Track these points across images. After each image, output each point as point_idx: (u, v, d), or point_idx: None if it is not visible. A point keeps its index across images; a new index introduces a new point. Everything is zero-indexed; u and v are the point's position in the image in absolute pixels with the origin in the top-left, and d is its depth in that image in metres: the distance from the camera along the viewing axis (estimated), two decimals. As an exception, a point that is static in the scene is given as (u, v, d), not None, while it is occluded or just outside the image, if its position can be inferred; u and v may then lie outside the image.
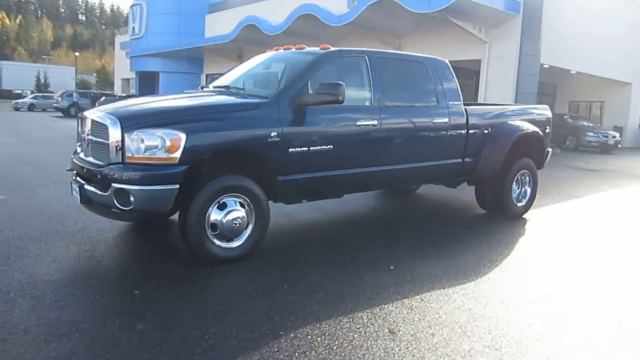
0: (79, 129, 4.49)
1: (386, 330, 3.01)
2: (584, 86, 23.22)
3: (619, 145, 19.53)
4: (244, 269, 3.96)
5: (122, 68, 41.51)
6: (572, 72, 20.15)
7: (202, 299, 3.39)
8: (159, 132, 3.70)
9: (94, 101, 28.65)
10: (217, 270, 3.88)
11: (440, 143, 5.49)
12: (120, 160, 3.76)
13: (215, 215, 3.93)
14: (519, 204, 6.29)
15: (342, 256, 4.38)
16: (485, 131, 5.87)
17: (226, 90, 4.76)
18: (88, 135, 4.11)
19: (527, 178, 6.35)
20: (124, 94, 32.80)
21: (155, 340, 2.75)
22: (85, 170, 4.10)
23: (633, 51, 22.28)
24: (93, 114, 4.15)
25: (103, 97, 26.79)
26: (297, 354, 2.69)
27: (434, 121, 5.36)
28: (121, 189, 3.69)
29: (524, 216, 6.31)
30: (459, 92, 5.72)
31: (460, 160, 5.69)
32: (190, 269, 3.89)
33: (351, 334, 2.95)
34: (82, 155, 4.32)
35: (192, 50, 28.94)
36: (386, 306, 3.36)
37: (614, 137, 19.09)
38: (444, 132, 5.46)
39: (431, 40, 18.10)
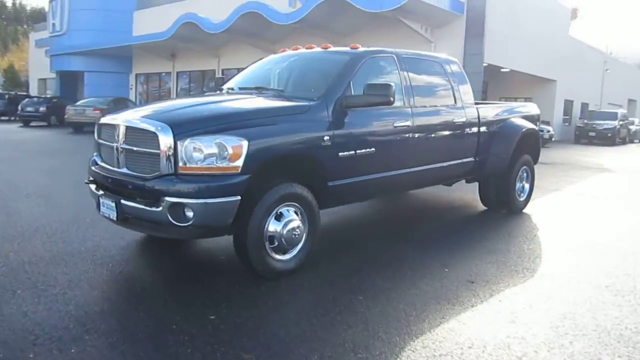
0: (101, 136, 4.02)
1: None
2: (513, 83, 24.57)
3: (553, 139, 20.88)
4: (303, 281, 3.72)
5: (38, 67, 38.48)
6: (504, 70, 21.25)
7: (288, 319, 3.13)
8: (219, 138, 3.38)
9: (12, 103, 26.34)
10: (277, 286, 3.62)
11: (460, 142, 5.53)
12: (172, 171, 3.39)
13: (273, 226, 3.66)
14: (520, 199, 6.48)
15: (390, 260, 4.26)
16: (493, 129, 5.97)
17: (264, 91, 4.43)
18: (121, 143, 3.66)
19: (525, 174, 6.55)
20: (48, 95, 30.40)
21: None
22: (117, 183, 3.67)
23: (557, 50, 23.89)
24: (127, 119, 3.71)
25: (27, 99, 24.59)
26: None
27: (455, 121, 5.37)
28: (178, 203, 3.32)
29: (523, 211, 6.50)
30: (471, 91, 5.79)
31: (473, 158, 5.75)
32: (248, 286, 3.59)
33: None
34: (107, 165, 3.86)
35: (120, 48, 27.38)
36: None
37: (549, 131, 20.35)
38: (462, 131, 5.49)
39: (378, 39, 18.31)
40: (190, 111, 3.81)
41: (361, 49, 4.67)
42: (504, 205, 6.35)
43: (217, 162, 3.36)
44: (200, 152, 3.35)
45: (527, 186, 6.60)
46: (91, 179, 4.12)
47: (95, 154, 4.15)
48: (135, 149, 3.58)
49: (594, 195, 8.27)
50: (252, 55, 23.89)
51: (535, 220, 6.12)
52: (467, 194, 7.27)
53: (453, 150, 5.46)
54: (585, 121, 25.99)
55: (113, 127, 3.80)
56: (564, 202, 7.46)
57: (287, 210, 3.75)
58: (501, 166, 5.99)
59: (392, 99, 4.05)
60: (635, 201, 8.03)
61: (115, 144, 3.72)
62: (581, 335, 3.01)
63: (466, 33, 17.59)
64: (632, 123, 28.86)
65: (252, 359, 2.61)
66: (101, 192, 3.84)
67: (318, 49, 4.93)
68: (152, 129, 3.44)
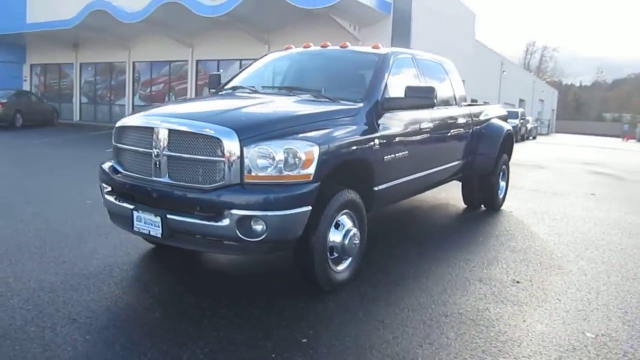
0: (123, 141, 3.51)
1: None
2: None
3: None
4: (361, 289, 3.54)
5: None
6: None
7: (384, 339, 2.94)
8: (289, 144, 3.08)
9: None
10: (341, 297, 3.41)
11: (461, 142, 5.61)
12: (238, 181, 3.03)
13: (334, 236, 3.44)
14: (499, 197, 6.75)
15: (439, 265, 4.21)
16: (481, 130, 6.15)
17: (299, 92, 4.11)
18: (163, 149, 3.21)
19: (502, 173, 6.83)
20: None
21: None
22: (160, 195, 3.22)
23: (464, 53, 25.39)
24: (170, 121, 3.25)
25: None
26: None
27: (459, 121, 5.44)
28: (248, 216, 2.98)
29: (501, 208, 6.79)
30: (465, 92, 5.91)
31: (467, 158, 5.88)
32: (310, 301, 3.34)
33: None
34: (136, 174, 3.38)
35: (10, 36, 24.59)
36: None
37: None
38: (464, 131, 5.58)
39: (304, 36, 18.23)
40: (249, 113, 3.44)
41: (385, 48, 4.56)
42: (486, 203, 6.58)
43: (287, 170, 3.06)
44: (270, 159, 3.03)
45: (503, 184, 6.89)
46: (108, 188, 3.59)
47: (113, 160, 3.61)
48: (184, 156, 3.15)
49: (553, 191, 8.79)
50: (168, 48, 22.88)
51: (516, 215, 6.41)
52: (440, 193, 7.45)
53: (458, 150, 5.54)
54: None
55: (146, 130, 3.32)
56: (528, 199, 7.85)
57: (344, 219, 3.54)
58: (489, 165, 6.19)
59: (436, 101, 3.99)
60: (595, 196, 8.61)
61: (153, 150, 3.24)
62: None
63: (393, 33, 18.05)
64: (528, 121, 31.58)
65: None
66: (133, 205, 3.34)
67: (335, 48, 4.72)
68: (212, 133, 3.05)
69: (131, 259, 4.07)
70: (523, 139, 28.47)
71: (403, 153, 4.17)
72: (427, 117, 4.63)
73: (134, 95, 23.95)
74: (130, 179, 3.42)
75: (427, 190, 5.68)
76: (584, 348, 2.87)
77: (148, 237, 3.40)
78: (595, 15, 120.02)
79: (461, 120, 5.47)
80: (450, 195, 7.39)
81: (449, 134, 5.24)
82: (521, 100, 42.78)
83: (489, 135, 6.21)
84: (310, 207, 3.13)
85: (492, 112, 6.74)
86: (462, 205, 6.79)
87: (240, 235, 3.01)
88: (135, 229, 3.32)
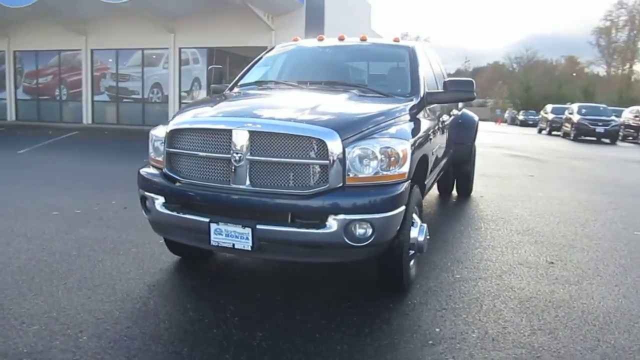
0: (180, 145, 3.12)
1: None
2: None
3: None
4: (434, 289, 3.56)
5: None
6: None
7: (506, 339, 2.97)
8: (387, 142, 2.97)
9: None
10: (417, 300, 3.39)
11: (452, 133, 5.79)
12: (340, 184, 2.86)
13: (413, 233, 3.38)
14: (472, 183, 7.13)
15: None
16: (460, 119, 6.42)
17: (347, 86, 3.91)
18: (245, 153, 2.90)
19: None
20: None
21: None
22: (246, 204, 2.93)
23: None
24: (254, 122, 2.95)
25: None
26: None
27: (453, 112, 5.62)
28: (356, 220, 2.83)
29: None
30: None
31: (451, 148, 6.10)
32: (397, 309, 3.28)
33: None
34: (204, 182, 3.03)
35: None
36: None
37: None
38: (454, 122, 5.78)
39: (216, 24, 17.71)
40: (339, 113, 3.21)
41: (406, 41, 4.55)
42: (461, 190, 6.91)
43: (385, 170, 2.95)
44: (370, 159, 2.90)
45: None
46: (159, 199, 3.18)
47: (166, 167, 3.19)
48: (274, 160, 2.89)
49: (497, 175, 9.41)
50: (58, 36, 20.52)
51: (491, 200, 6.82)
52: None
53: (452, 141, 5.72)
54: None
55: (221, 133, 2.99)
56: (484, 183, 8.27)
57: (414, 216, 3.51)
58: (467, 153, 6.48)
59: (476, 95, 4.07)
60: (534, 177, 9.38)
61: (232, 155, 2.92)
62: None
63: (307, 23, 18.03)
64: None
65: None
66: (208, 217, 2.99)
67: (354, 40, 4.59)
68: (314, 135, 2.84)
69: (150, 279, 3.66)
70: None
71: (439, 146, 4.22)
72: (442, 110, 4.72)
73: (16, 88, 21.31)
74: (198, 187, 3.06)
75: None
76: (662, 318, 3.17)
77: (227, 251, 3.06)
78: (455, 9, 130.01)
79: (455, 111, 5.66)
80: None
81: (450, 125, 5.39)
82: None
83: (465, 125, 6.49)
84: (404, 207, 3.05)
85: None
86: (435, 193, 7.04)
87: (347, 241, 2.85)
88: (212, 243, 2.98)
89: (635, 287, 3.72)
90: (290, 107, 3.23)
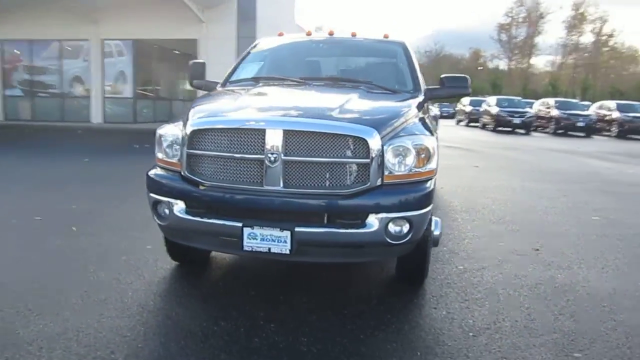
0: (204, 146, 2.94)
1: None
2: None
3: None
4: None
5: None
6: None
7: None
8: (418, 139, 2.99)
9: None
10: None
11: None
12: (379, 182, 2.84)
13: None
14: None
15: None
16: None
17: (351, 83, 3.85)
18: (280, 154, 2.79)
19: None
20: None
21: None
22: (284, 206, 2.83)
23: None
24: (288, 122, 2.84)
25: None
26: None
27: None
28: (397, 218, 2.83)
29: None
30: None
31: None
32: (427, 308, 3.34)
33: None
34: (239, 185, 2.89)
35: None
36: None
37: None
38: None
39: (143, 16, 16.86)
40: (370, 110, 3.16)
41: (395, 37, 4.57)
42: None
43: (418, 167, 2.97)
44: (407, 156, 2.91)
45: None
46: (179, 204, 2.99)
47: (185, 170, 2.99)
48: (311, 159, 2.80)
49: (445, 166, 9.77)
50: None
51: (455, 191, 7.10)
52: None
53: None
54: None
55: (252, 132, 2.85)
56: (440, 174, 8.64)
57: (429, 211, 3.57)
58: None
59: (470, 90, 4.19)
60: (479, 168, 9.83)
61: (266, 155, 2.80)
62: None
63: (238, 17, 17.67)
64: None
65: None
66: (241, 221, 2.85)
67: (345, 36, 4.55)
68: (356, 133, 2.79)
69: (157, 288, 3.46)
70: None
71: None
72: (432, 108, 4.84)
73: None
74: (226, 190, 2.90)
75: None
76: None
77: (261, 256, 2.92)
78: (371, 1, 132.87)
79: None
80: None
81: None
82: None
83: (433, 118, 6.68)
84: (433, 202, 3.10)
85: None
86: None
87: (388, 239, 2.84)
88: (246, 248, 2.84)
89: (618, 268, 4.04)
90: (318, 105, 3.16)
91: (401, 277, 3.49)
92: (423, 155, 2.97)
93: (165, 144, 3.15)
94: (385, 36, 4.57)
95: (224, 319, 2.93)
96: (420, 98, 3.78)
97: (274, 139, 2.79)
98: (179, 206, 2.99)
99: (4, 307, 2.99)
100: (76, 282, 3.41)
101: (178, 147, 3.07)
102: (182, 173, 3.01)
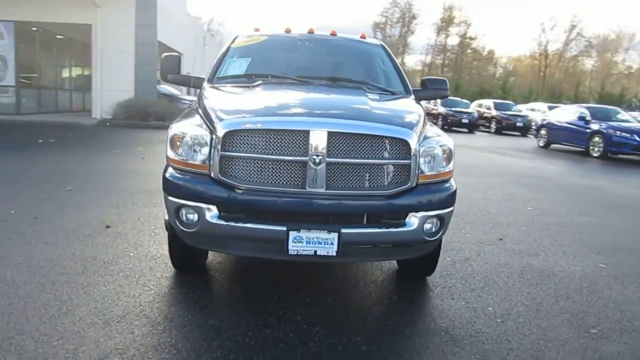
0: (239, 148, 2.81)
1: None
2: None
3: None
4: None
5: None
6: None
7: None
8: (444, 139, 3.15)
9: None
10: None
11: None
12: (416, 183, 2.95)
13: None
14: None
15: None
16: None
17: (349, 83, 3.84)
18: (327, 156, 2.76)
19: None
20: None
21: None
22: (328, 208, 2.82)
23: (180, 26, 25.18)
24: (334, 123, 2.82)
25: None
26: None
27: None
28: (432, 216, 2.97)
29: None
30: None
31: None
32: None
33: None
34: (280, 187, 2.81)
35: None
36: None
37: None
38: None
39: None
40: (398, 111, 3.19)
41: (373, 39, 4.68)
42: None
43: (442, 167, 3.12)
44: (436, 157, 3.05)
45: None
46: (211, 209, 2.83)
47: (217, 173, 2.83)
48: (355, 161, 2.82)
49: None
50: None
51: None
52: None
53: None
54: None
55: (293, 134, 2.78)
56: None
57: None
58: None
59: (449, 92, 4.43)
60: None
61: (311, 157, 2.76)
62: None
63: (137, 2, 16.57)
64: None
65: None
66: (285, 225, 2.78)
67: (324, 34, 4.53)
68: (399, 135, 2.86)
69: (190, 291, 3.27)
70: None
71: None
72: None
73: None
74: (266, 194, 2.80)
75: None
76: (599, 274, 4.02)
77: (306, 259, 2.85)
78: None
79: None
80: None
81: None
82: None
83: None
84: (452, 204, 3.28)
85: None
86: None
87: (424, 237, 2.97)
88: (291, 252, 2.78)
89: (577, 253, 4.57)
90: (349, 106, 3.18)
91: (412, 272, 3.63)
92: (446, 156, 3.13)
93: (185, 145, 2.95)
94: (362, 36, 4.65)
95: (267, 327, 2.84)
96: (414, 99, 3.94)
97: (319, 140, 2.76)
98: (212, 211, 2.83)
99: (16, 330, 2.61)
100: (77, 298, 3.06)
101: (201, 147, 2.90)
102: (213, 176, 2.85)
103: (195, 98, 6.90)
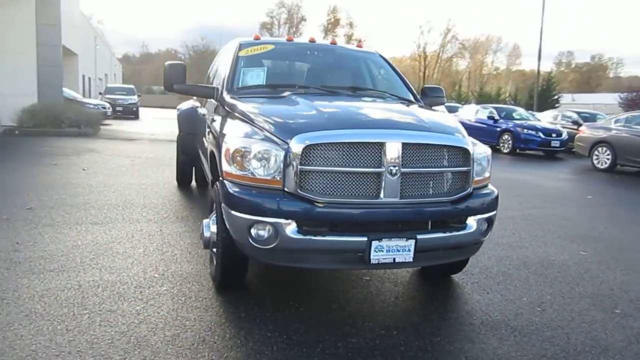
0: (329, 162, 2.83)
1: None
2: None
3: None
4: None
5: None
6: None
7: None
8: (483, 147, 3.42)
9: None
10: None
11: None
12: (472, 188, 3.18)
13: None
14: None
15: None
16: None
17: (369, 93, 3.95)
18: (401, 166, 2.88)
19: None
20: None
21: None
22: (403, 216, 2.95)
23: (73, 24, 23.47)
24: (407, 135, 2.96)
25: None
26: None
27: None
28: (486, 218, 3.22)
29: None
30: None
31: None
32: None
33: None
34: (357, 199, 2.87)
35: None
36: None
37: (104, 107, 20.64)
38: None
39: None
40: (440, 121, 3.35)
41: (369, 48, 4.84)
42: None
43: (484, 173, 3.38)
44: (483, 163, 3.31)
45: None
46: (290, 224, 2.82)
47: (294, 188, 2.81)
48: (425, 170, 2.98)
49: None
50: None
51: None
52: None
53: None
54: (107, 96, 26.93)
55: (370, 146, 2.86)
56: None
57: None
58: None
59: (445, 100, 4.72)
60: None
61: (385, 168, 2.86)
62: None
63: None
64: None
65: None
66: (365, 235, 2.85)
67: (324, 43, 4.60)
68: (462, 144, 3.07)
69: (229, 308, 3.20)
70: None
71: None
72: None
73: None
74: (344, 206, 2.85)
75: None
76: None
77: (385, 267, 2.95)
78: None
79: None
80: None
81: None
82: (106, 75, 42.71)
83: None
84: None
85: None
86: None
87: (480, 238, 3.21)
88: (373, 261, 2.85)
89: (556, 244, 5.10)
90: (410, 118, 3.32)
91: (443, 272, 3.85)
92: (489, 162, 3.40)
93: (251, 160, 2.90)
94: (359, 45, 4.81)
95: (326, 342, 2.81)
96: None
97: (394, 151, 2.87)
98: (291, 226, 2.81)
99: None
100: (123, 317, 2.87)
101: (270, 162, 2.87)
102: (289, 190, 2.84)
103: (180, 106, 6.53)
